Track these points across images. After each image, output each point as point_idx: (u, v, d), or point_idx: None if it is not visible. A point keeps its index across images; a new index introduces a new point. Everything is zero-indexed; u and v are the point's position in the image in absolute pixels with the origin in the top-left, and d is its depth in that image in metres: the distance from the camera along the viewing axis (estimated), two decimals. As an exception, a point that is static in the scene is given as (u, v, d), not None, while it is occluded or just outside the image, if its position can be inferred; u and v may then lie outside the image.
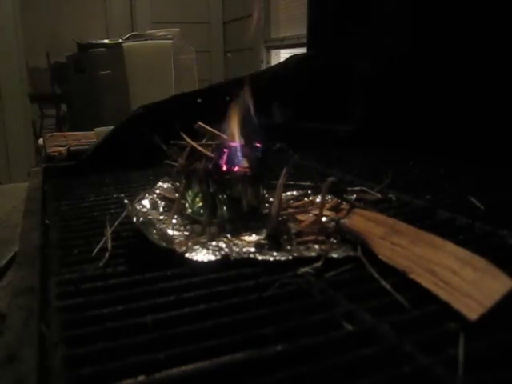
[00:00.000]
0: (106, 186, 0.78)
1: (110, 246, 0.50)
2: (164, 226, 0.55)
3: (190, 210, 0.58)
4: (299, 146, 0.68)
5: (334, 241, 0.49)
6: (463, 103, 0.89)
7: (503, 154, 0.78)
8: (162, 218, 0.57)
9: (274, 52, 2.91)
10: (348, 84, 1.04)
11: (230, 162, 0.58)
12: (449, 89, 0.92)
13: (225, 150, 0.57)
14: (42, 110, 3.38)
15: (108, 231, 0.53)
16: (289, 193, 0.64)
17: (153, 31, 2.46)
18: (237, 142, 0.58)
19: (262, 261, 0.46)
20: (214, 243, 0.49)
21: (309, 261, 0.45)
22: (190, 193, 0.57)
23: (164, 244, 0.48)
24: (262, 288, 0.41)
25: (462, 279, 0.38)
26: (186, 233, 0.54)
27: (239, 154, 0.58)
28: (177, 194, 0.60)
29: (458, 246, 0.41)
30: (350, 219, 0.51)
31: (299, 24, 2.40)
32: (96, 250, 0.49)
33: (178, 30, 2.47)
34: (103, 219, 0.57)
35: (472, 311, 0.35)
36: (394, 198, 0.66)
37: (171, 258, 0.46)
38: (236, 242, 0.50)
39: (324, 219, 0.55)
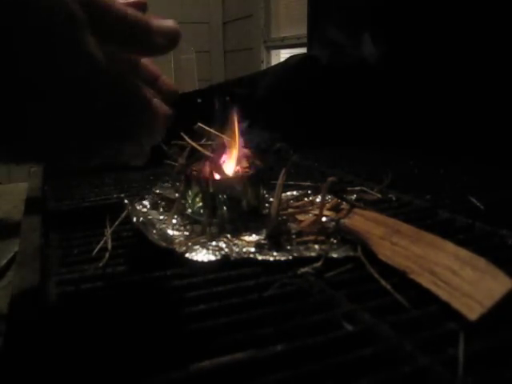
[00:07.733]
0: (106, 186, 0.78)
1: (110, 246, 0.50)
2: (164, 225, 0.55)
3: (190, 210, 0.58)
4: (299, 146, 0.68)
5: (334, 241, 0.49)
6: (463, 103, 0.89)
7: (503, 154, 0.78)
8: (162, 217, 0.57)
9: (274, 52, 2.91)
10: (347, 84, 1.04)
11: (230, 162, 0.58)
12: (449, 88, 0.92)
13: (225, 150, 0.57)
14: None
15: (108, 231, 0.53)
16: (289, 193, 0.64)
17: (153, 31, 2.45)
18: (237, 143, 0.58)
19: (262, 261, 0.46)
20: (214, 243, 0.49)
21: (309, 261, 0.45)
22: (189, 193, 0.57)
23: (164, 244, 0.48)
24: (262, 288, 0.41)
25: (462, 279, 0.38)
26: (186, 233, 0.54)
27: (239, 154, 0.58)
28: (177, 194, 0.60)
29: (458, 246, 0.41)
30: (350, 219, 0.51)
31: (299, 24, 2.39)
32: (96, 250, 0.49)
33: (178, 30, 2.46)
34: (103, 219, 0.57)
35: (472, 311, 0.35)
36: (394, 198, 0.66)
37: (171, 257, 0.46)
38: (236, 242, 0.50)
39: (324, 219, 0.55)
